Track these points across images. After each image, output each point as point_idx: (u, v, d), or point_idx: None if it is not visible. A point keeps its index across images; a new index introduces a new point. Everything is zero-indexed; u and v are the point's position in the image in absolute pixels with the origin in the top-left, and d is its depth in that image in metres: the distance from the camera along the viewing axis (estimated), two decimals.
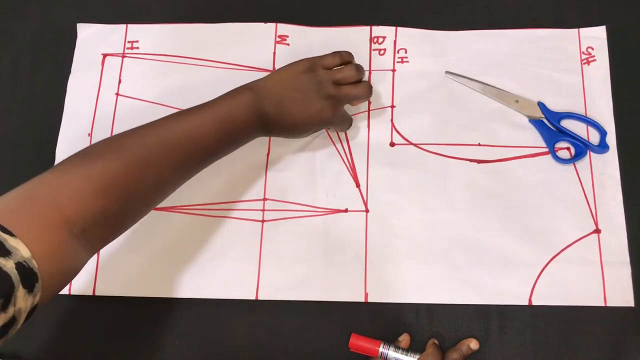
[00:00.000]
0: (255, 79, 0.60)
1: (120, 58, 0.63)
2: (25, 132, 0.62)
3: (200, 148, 0.48)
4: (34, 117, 0.62)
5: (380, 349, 0.51)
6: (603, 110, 0.59)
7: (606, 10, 0.62)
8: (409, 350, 0.51)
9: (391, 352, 0.51)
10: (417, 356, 0.50)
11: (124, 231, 0.46)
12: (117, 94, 0.62)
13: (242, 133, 0.51)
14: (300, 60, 0.53)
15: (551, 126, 0.59)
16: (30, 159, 0.61)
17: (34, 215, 0.37)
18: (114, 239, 0.46)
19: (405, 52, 0.62)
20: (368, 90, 0.54)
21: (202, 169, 0.50)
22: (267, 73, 0.61)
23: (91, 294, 0.56)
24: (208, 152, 0.49)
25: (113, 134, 0.60)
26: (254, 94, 0.50)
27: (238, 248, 0.56)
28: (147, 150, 0.45)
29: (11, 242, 0.34)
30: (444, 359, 0.50)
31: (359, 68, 0.54)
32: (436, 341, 0.52)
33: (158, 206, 0.57)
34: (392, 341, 0.52)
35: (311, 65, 0.52)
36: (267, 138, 0.60)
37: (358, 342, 0.51)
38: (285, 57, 0.62)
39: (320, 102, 0.52)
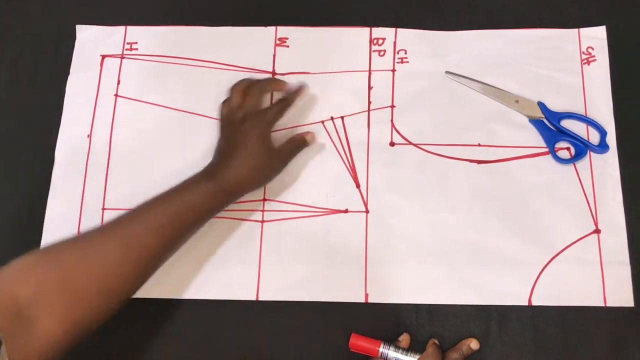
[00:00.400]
0: (253, 76, 0.60)
1: (119, 59, 0.63)
2: (24, 133, 0.62)
3: (163, 244, 0.50)
4: (33, 118, 0.62)
5: (380, 349, 0.51)
6: (603, 110, 0.59)
7: (606, 10, 0.63)
8: (409, 350, 0.52)
9: (391, 352, 0.51)
10: (417, 356, 0.51)
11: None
12: (116, 95, 0.62)
13: (207, 217, 0.53)
14: (226, 124, 0.56)
15: (551, 126, 0.59)
16: (29, 160, 0.61)
17: None
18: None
19: (405, 53, 0.62)
20: (281, 107, 0.57)
21: (170, 255, 0.52)
22: (267, 75, 0.62)
23: None
24: (173, 243, 0.51)
25: (112, 135, 0.61)
26: (214, 184, 0.52)
27: (238, 249, 0.57)
28: (107, 253, 0.47)
29: None
30: (444, 358, 0.51)
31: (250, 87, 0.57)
32: (436, 341, 0.53)
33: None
34: (392, 341, 0.52)
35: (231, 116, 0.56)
36: None
37: (358, 342, 0.52)
38: (285, 58, 0.62)
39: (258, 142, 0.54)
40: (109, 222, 0.49)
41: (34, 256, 0.46)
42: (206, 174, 0.53)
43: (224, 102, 0.57)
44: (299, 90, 0.58)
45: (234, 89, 0.57)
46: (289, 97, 0.57)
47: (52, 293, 0.44)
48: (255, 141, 0.53)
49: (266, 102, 0.60)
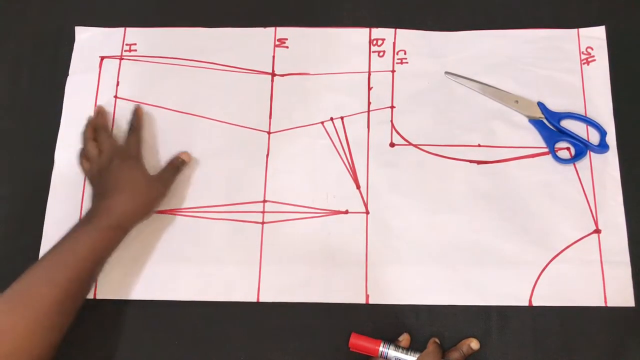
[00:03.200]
0: (254, 80, 0.62)
1: (118, 61, 0.65)
2: (24, 135, 0.63)
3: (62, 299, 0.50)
4: (32, 120, 0.63)
5: (381, 349, 0.52)
6: (603, 110, 0.61)
7: (605, 10, 0.64)
8: (409, 349, 0.53)
9: (391, 351, 0.52)
10: (417, 355, 0.52)
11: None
12: (115, 97, 0.64)
13: (104, 259, 0.54)
14: (96, 175, 0.58)
15: (551, 126, 0.60)
16: (29, 161, 0.62)
17: None
18: None
19: (405, 54, 0.64)
20: (136, 136, 0.60)
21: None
22: (266, 75, 0.63)
23: (92, 297, 0.57)
24: (80, 291, 0.52)
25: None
26: (101, 224, 0.53)
27: (238, 250, 0.58)
28: (15, 327, 0.48)
29: None
30: (444, 358, 0.52)
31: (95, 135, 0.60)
32: (437, 340, 0.54)
33: (160, 209, 0.59)
34: (392, 341, 0.53)
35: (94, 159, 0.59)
36: (267, 138, 0.61)
37: (358, 342, 0.53)
38: (285, 59, 0.64)
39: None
40: (12, 289, 0.49)
41: None
42: (90, 219, 0.54)
43: (81, 160, 0.60)
44: (137, 113, 0.61)
45: (85, 142, 0.60)
46: (134, 124, 0.61)
47: None
48: (130, 175, 0.56)
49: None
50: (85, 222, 0.54)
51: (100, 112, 0.62)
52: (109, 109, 0.63)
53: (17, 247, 0.59)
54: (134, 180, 0.56)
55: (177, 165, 0.59)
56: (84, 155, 0.60)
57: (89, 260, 0.52)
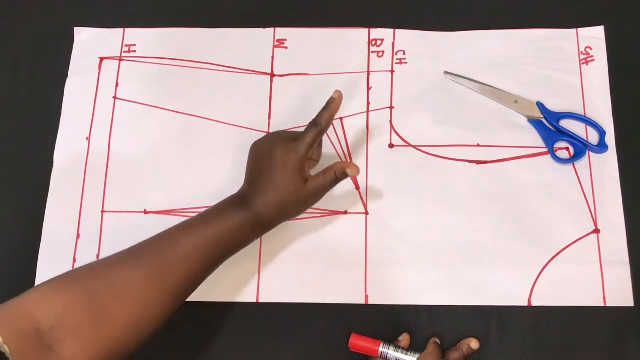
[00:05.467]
0: (253, 81, 0.62)
1: (118, 62, 0.66)
2: (23, 135, 0.64)
3: (194, 274, 0.50)
4: (32, 120, 0.64)
5: (380, 349, 0.53)
6: (602, 110, 0.62)
7: (604, 10, 0.65)
8: (409, 349, 0.54)
9: (391, 352, 0.53)
10: (417, 355, 0.53)
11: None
12: (115, 98, 0.64)
13: (240, 247, 0.53)
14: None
15: (550, 126, 0.61)
16: (28, 162, 0.63)
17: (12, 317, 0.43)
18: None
19: (404, 54, 0.65)
20: (314, 134, 0.53)
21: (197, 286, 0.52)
22: (265, 76, 0.64)
23: None
24: (205, 272, 0.51)
25: (111, 137, 0.63)
26: (248, 215, 0.51)
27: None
28: (137, 283, 0.48)
29: None
30: (444, 358, 0.53)
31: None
32: (437, 340, 0.55)
33: (159, 210, 0.60)
34: (392, 341, 0.54)
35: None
36: None
37: (358, 342, 0.54)
38: (284, 60, 0.65)
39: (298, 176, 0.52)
40: (137, 248, 0.49)
41: (60, 280, 0.46)
42: (239, 201, 0.52)
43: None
44: (331, 108, 0.53)
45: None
46: (320, 120, 0.53)
47: (78, 318, 0.44)
48: (288, 176, 0.52)
49: None
50: (234, 206, 0.52)
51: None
52: (108, 110, 0.64)
53: (17, 247, 0.60)
54: (287, 185, 0.52)
55: (338, 176, 0.52)
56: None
57: (232, 247, 0.51)
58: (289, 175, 0.52)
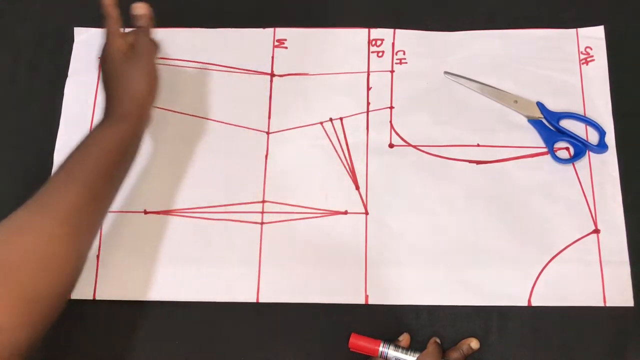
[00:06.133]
0: (253, 81, 0.64)
1: None
2: (24, 135, 0.64)
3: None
4: (32, 121, 0.65)
5: (380, 348, 0.53)
6: (602, 110, 0.62)
7: (604, 10, 0.66)
8: (409, 349, 0.54)
9: (391, 351, 0.53)
10: (417, 355, 0.53)
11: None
12: None
13: (126, 156, 0.54)
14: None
15: (550, 126, 0.62)
16: (28, 162, 0.63)
17: None
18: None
19: (404, 54, 0.65)
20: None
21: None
22: (265, 76, 0.65)
23: (92, 297, 0.58)
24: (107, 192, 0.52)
25: None
26: (116, 115, 0.54)
27: (238, 251, 0.59)
28: (44, 231, 0.47)
29: None
30: (444, 357, 0.53)
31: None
32: (437, 339, 0.55)
33: (159, 210, 0.60)
34: (392, 341, 0.54)
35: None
36: (266, 139, 0.62)
37: (358, 342, 0.54)
38: (284, 60, 0.65)
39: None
40: (37, 196, 0.49)
41: None
42: (104, 115, 0.54)
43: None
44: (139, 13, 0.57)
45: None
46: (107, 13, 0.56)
47: None
48: (120, 69, 0.54)
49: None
50: (102, 120, 0.54)
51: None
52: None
53: None
54: (127, 67, 0.55)
55: (139, 25, 0.57)
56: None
57: (111, 153, 0.52)
58: (119, 67, 0.54)
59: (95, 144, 0.52)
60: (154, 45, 0.58)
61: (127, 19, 0.67)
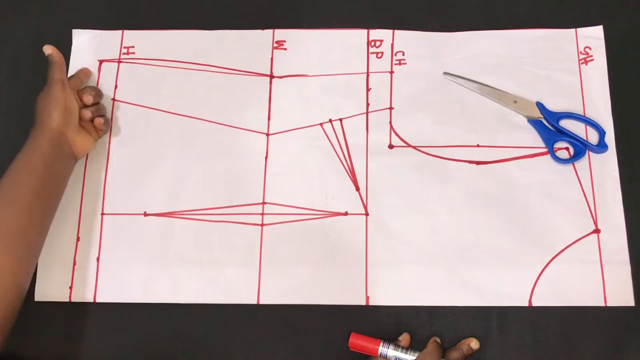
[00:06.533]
0: (252, 82, 0.64)
1: (117, 64, 0.66)
2: (24, 135, 0.64)
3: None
4: (32, 122, 0.64)
5: (380, 348, 0.54)
6: (601, 110, 0.62)
7: (603, 10, 0.66)
8: (408, 348, 0.54)
9: (391, 351, 0.54)
10: (417, 354, 0.53)
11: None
12: (114, 100, 0.65)
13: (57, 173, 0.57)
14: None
15: (550, 126, 0.62)
16: None
17: None
18: None
19: (403, 55, 0.65)
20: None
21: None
22: (265, 77, 0.65)
23: (92, 300, 0.58)
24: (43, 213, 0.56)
25: (111, 139, 0.63)
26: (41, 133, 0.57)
27: (238, 253, 0.59)
28: None
29: None
30: (444, 357, 0.53)
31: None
32: (438, 339, 0.55)
33: (159, 212, 0.60)
34: (392, 340, 0.55)
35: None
36: (266, 140, 0.62)
37: (358, 341, 0.55)
38: (283, 61, 0.65)
39: None
40: None
41: None
42: (32, 132, 0.57)
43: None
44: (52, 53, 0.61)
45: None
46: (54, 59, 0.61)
47: None
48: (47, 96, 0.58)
49: None
50: (29, 138, 0.57)
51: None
52: (107, 112, 0.64)
53: None
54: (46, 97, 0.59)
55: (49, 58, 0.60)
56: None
57: (38, 169, 0.55)
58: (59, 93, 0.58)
59: (27, 163, 0.55)
60: (60, 79, 0.60)
61: (128, 19, 0.68)
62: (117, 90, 0.65)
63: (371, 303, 0.58)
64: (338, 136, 0.63)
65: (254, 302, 0.58)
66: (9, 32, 0.68)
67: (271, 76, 0.65)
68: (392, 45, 0.66)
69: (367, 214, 0.60)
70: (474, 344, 0.55)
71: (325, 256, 0.59)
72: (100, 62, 0.66)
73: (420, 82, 0.64)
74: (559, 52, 0.64)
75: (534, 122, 0.62)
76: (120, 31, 0.67)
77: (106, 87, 0.65)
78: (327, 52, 0.66)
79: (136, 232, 0.60)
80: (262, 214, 0.61)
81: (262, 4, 0.68)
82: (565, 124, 0.62)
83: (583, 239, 0.59)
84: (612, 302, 0.57)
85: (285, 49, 0.66)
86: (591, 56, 0.64)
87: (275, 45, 0.66)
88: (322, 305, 0.58)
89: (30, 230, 0.54)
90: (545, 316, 0.57)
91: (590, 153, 0.61)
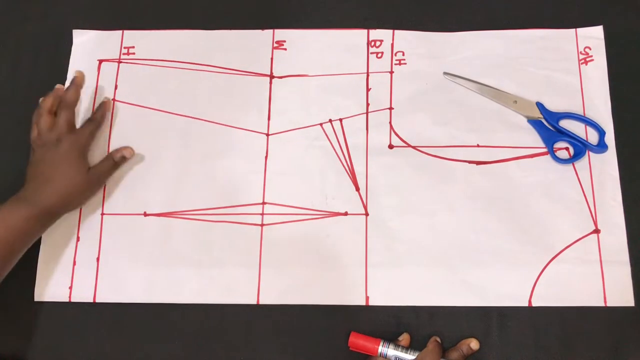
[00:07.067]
0: (252, 82, 0.64)
1: (117, 64, 0.66)
2: (24, 136, 0.64)
3: None
4: (32, 122, 0.65)
5: (380, 348, 0.54)
6: (601, 110, 0.63)
7: (603, 10, 0.66)
8: (408, 348, 0.55)
9: (390, 351, 0.54)
10: (417, 353, 0.54)
11: None
12: (114, 100, 0.65)
13: (28, 242, 0.56)
14: (39, 146, 0.59)
15: (550, 126, 0.62)
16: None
17: None
18: None
19: (403, 55, 0.65)
20: (93, 128, 0.61)
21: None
22: (265, 77, 0.65)
23: (92, 300, 0.59)
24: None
25: (110, 139, 0.64)
26: (30, 209, 0.55)
27: (238, 253, 0.60)
28: None
29: None
30: (444, 357, 0.54)
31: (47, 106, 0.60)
32: (438, 338, 0.56)
33: (159, 212, 0.60)
34: (391, 340, 0.55)
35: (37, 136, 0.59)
36: (266, 140, 0.63)
37: (358, 341, 0.55)
38: (283, 61, 0.66)
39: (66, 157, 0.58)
40: None
41: None
42: (20, 198, 0.55)
43: (34, 125, 0.60)
44: (103, 106, 0.63)
45: (40, 111, 0.60)
46: (97, 116, 0.62)
47: None
48: (73, 165, 0.58)
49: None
50: (15, 203, 0.55)
51: (75, 85, 0.62)
52: (107, 112, 0.64)
53: None
54: (74, 172, 0.58)
55: (116, 161, 0.61)
56: (36, 123, 0.60)
57: (8, 243, 0.53)
58: (73, 166, 0.58)
59: (7, 230, 0.53)
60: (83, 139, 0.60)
61: (128, 19, 0.68)
62: (117, 90, 0.65)
63: (371, 303, 0.58)
64: (338, 136, 0.63)
65: (254, 302, 0.58)
66: (9, 32, 0.68)
67: (271, 76, 0.65)
68: (392, 45, 0.66)
69: (367, 214, 0.60)
70: (474, 344, 0.55)
71: (325, 256, 0.59)
72: (100, 62, 0.67)
73: (420, 82, 0.64)
74: (559, 52, 0.65)
75: (534, 122, 0.62)
76: (120, 31, 0.68)
77: (106, 87, 0.66)
78: (327, 52, 0.66)
79: (136, 232, 0.60)
80: (262, 214, 0.61)
81: (262, 4, 0.68)
82: (565, 124, 0.62)
83: (583, 239, 0.59)
84: (612, 302, 0.57)
85: (285, 49, 0.66)
86: (591, 56, 0.64)
87: (275, 45, 0.66)
88: (322, 305, 0.58)
89: None
90: (545, 316, 0.57)
91: (590, 153, 0.61)
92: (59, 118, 0.60)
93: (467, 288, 0.58)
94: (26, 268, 0.59)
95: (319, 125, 0.64)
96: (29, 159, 0.60)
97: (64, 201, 0.57)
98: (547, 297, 0.57)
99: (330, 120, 0.64)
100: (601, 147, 0.61)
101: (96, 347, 0.58)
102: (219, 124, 0.64)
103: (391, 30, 0.66)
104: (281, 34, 0.67)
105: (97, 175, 0.60)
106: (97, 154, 0.63)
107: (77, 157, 0.58)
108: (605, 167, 0.61)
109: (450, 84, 0.64)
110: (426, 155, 0.62)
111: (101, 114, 0.63)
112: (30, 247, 0.59)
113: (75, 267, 0.60)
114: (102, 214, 0.61)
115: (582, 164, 0.61)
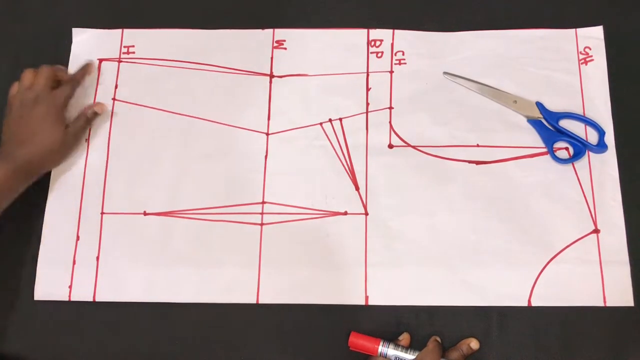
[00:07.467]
0: (252, 82, 0.64)
1: (117, 63, 0.66)
2: None
3: None
4: None
5: (380, 347, 0.54)
6: (601, 110, 0.63)
7: (603, 10, 0.66)
8: (408, 348, 0.55)
9: (390, 350, 0.54)
10: (417, 353, 0.54)
11: None
12: (114, 99, 0.65)
13: (7, 198, 0.57)
14: (17, 104, 0.60)
15: (550, 126, 0.62)
16: None
17: None
18: None
19: (403, 54, 0.65)
20: (71, 86, 0.62)
21: None
22: (264, 77, 0.65)
23: (91, 299, 0.59)
24: None
25: (110, 139, 0.64)
26: (8, 165, 0.56)
27: (237, 252, 0.60)
28: None
29: None
30: (444, 357, 0.54)
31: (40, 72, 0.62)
32: (438, 338, 0.56)
33: (158, 211, 0.61)
34: (391, 340, 0.55)
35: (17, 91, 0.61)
36: (265, 140, 0.63)
37: (357, 341, 0.55)
38: (283, 60, 0.66)
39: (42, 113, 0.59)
40: None
41: None
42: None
43: (15, 82, 0.62)
44: (85, 68, 0.64)
45: (26, 70, 0.62)
46: (77, 76, 0.64)
47: None
48: (50, 124, 0.59)
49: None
50: None
51: (86, 70, 0.64)
52: (107, 112, 0.65)
53: (17, 247, 0.61)
54: (52, 131, 0.59)
55: (88, 117, 0.63)
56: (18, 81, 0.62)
57: None
58: (50, 124, 0.59)
59: None
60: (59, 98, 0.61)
61: (128, 18, 0.68)
62: (117, 90, 0.66)
63: (371, 303, 0.58)
64: (338, 136, 0.63)
65: (254, 301, 0.58)
66: (9, 32, 0.69)
67: (271, 76, 0.65)
68: (392, 45, 0.66)
69: (366, 214, 0.61)
70: (474, 344, 0.55)
71: (325, 256, 0.59)
72: (100, 61, 0.67)
73: (420, 82, 0.65)
74: (559, 52, 0.65)
75: (534, 122, 0.62)
76: (120, 30, 0.68)
77: (106, 87, 0.66)
78: (327, 51, 0.66)
79: (136, 232, 0.61)
80: (262, 213, 0.61)
81: (262, 3, 0.68)
82: (565, 124, 0.62)
83: (582, 239, 0.59)
84: (612, 302, 0.57)
85: (285, 49, 0.66)
86: (591, 56, 0.64)
87: (275, 44, 0.67)
88: (322, 305, 0.58)
89: None
90: (545, 316, 0.57)
91: (590, 153, 0.61)
92: (40, 75, 0.61)
93: (467, 288, 0.58)
94: (26, 267, 0.60)
95: (319, 125, 0.64)
96: (5, 117, 0.61)
97: (42, 158, 0.59)
98: (547, 297, 0.57)
99: (330, 120, 0.64)
100: (601, 147, 0.61)
101: (96, 346, 0.58)
102: (219, 123, 0.64)
103: (391, 30, 0.66)
104: (281, 33, 0.67)
105: (72, 134, 0.61)
106: (96, 153, 0.63)
107: (55, 116, 0.60)
108: (605, 167, 0.61)
109: (450, 84, 0.64)
110: (426, 155, 0.62)
111: (82, 74, 0.64)
112: (30, 246, 0.60)
113: (75, 266, 0.60)
114: (102, 213, 0.62)
115: (581, 164, 0.61)
